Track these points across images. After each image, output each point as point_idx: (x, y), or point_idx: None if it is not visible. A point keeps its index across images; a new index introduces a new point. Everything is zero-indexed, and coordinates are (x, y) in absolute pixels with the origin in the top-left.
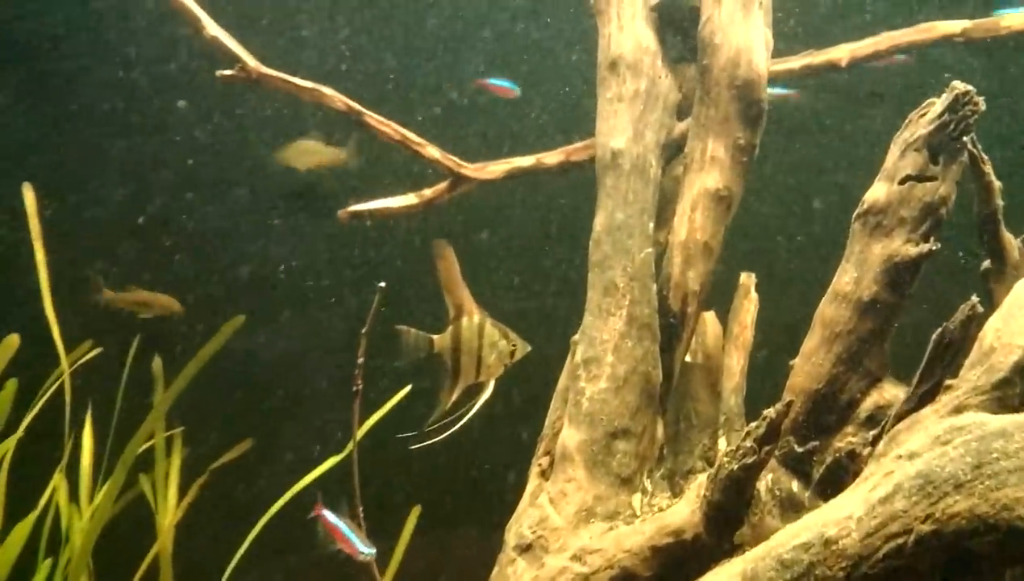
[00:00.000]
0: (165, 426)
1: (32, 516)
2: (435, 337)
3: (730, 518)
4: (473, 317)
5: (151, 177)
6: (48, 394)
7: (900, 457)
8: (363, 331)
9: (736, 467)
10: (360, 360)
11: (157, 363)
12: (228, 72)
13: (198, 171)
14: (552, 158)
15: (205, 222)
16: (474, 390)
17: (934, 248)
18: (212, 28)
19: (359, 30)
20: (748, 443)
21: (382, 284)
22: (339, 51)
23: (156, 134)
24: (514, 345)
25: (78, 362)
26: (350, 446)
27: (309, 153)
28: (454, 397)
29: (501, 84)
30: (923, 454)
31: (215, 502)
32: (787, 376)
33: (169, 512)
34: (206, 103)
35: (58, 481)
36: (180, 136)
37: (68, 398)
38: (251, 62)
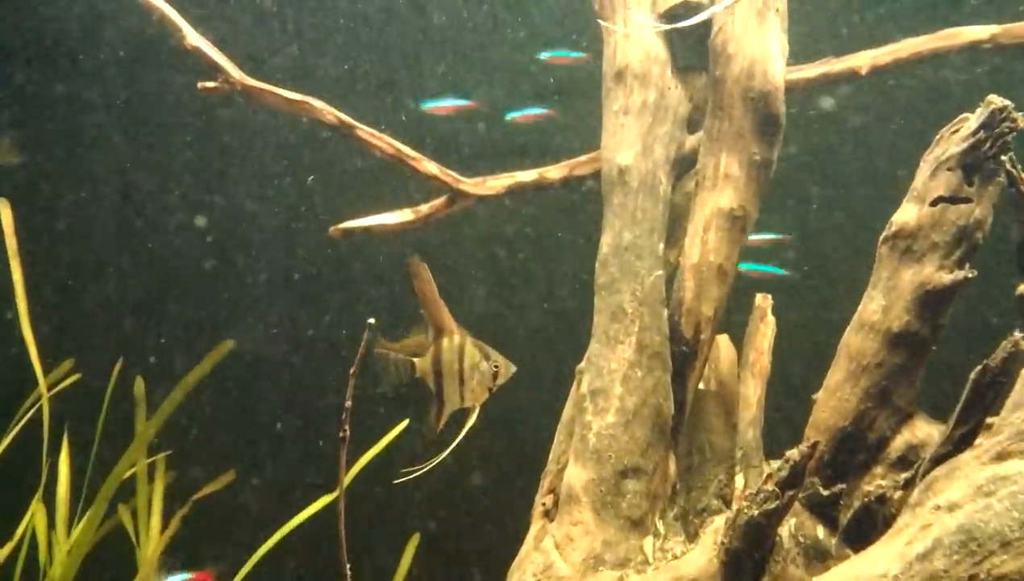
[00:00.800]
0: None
1: (7, 547)
2: (416, 360)
3: (750, 567)
4: (453, 337)
5: None
6: (26, 417)
7: (938, 508)
8: (351, 371)
9: (757, 513)
10: (348, 403)
11: (139, 385)
12: (211, 84)
13: None
14: (555, 173)
15: None
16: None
17: (970, 275)
18: (193, 37)
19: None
20: (770, 487)
21: (372, 320)
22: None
23: None
24: (496, 366)
25: (58, 385)
26: (338, 492)
27: None
28: (441, 425)
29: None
30: (964, 506)
31: (202, 528)
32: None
33: (152, 541)
34: None
35: (36, 509)
36: None
37: (46, 422)
38: (234, 73)
